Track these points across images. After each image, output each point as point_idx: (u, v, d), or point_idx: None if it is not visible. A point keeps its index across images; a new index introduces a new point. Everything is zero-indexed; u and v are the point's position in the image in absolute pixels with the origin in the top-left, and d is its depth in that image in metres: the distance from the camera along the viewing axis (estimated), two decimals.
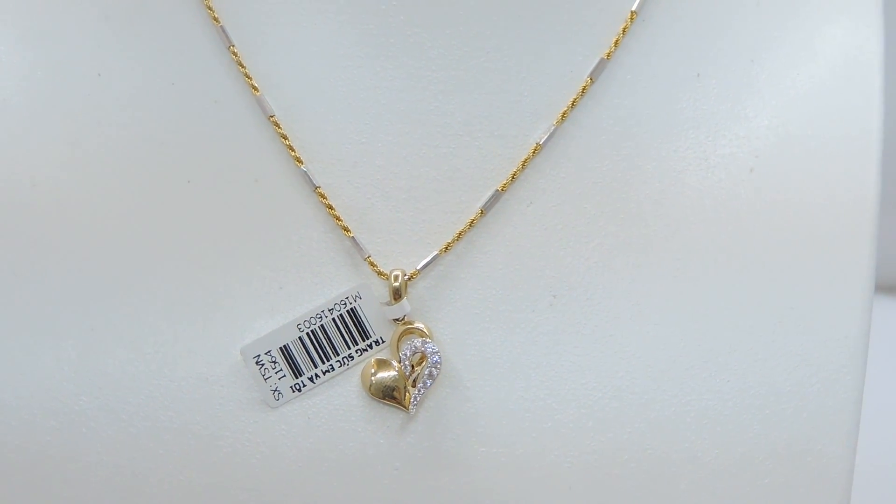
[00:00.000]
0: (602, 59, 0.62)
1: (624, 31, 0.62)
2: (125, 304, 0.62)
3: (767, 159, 0.62)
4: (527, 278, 0.61)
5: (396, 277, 0.61)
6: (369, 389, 0.61)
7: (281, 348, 0.61)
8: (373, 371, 0.61)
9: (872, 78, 0.62)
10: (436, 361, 0.60)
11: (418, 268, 0.61)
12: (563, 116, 0.62)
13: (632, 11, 0.62)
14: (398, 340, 0.61)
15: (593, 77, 0.62)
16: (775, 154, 0.62)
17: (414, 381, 0.61)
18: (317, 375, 0.61)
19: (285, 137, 0.61)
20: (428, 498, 0.61)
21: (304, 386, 0.61)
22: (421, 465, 0.61)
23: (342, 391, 0.61)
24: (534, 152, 0.61)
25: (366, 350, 0.61)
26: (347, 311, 0.61)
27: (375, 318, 0.61)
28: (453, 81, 0.61)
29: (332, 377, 0.61)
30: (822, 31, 0.63)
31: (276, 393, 0.61)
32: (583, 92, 0.62)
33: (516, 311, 0.61)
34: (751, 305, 0.61)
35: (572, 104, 0.62)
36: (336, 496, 0.61)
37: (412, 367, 0.61)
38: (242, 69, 0.62)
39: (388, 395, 0.61)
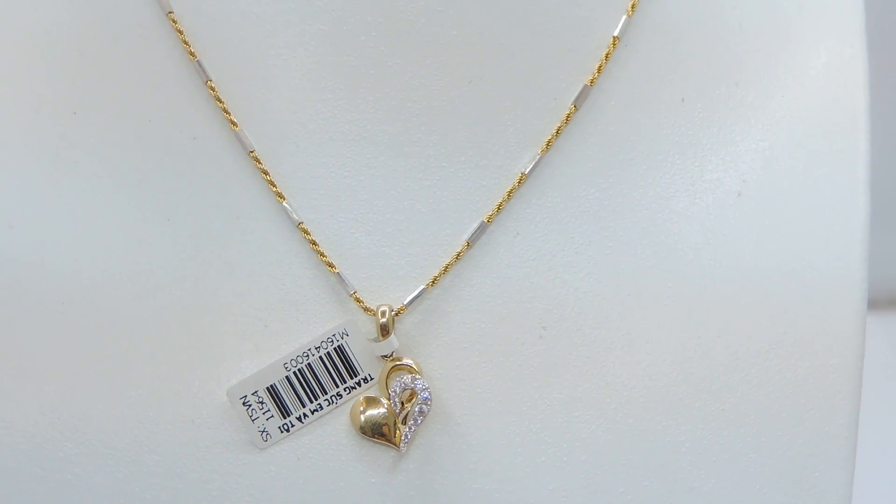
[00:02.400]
0: (585, 86, 0.61)
1: (607, 56, 0.61)
2: (107, 347, 0.60)
3: (755, 183, 0.61)
4: (515, 311, 0.60)
5: (383, 313, 0.60)
6: (359, 428, 0.60)
7: (268, 388, 0.60)
8: (362, 409, 0.60)
9: (858, 98, 0.62)
10: (426, 398, 0.59)
11: (405, 303, 0.60)
12: (547, 145, 0.61)
13: (614, 37, 0.61)
14: (387, 377, 0.60)
15: (577, 104, 0.61)
16: (762, 178, 0.61)
17: (404, 418, 0.60)
18: (305, 415, 0.60)
19: (266, 173, 0.60)
20: None
21: (293, 426, 0.60)
22: (414, 503, 0.60)
23: (331, 430, 0.60)
24: (519, 182, 0.61)
25: (354, 388, 0.60)
26: (335, 349, 0.60)
27: (363, 354, 0.60)
28: (436, 112, 0.61)
29: (321, 416, 0.60)
30: (805, 52, 0.63)
31: (265, 434, 0.60)
32: (567, 119, 0.61)
33: (506, 344, 0.60)
34: (743, 332, 0.60)
35: (557, 132, 0.61)
36: None
37: (402, 404, 0.60)
38: (220, 104, 0.61)
39: (379, 433, 0.60)
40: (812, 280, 0.61)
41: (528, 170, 0.61)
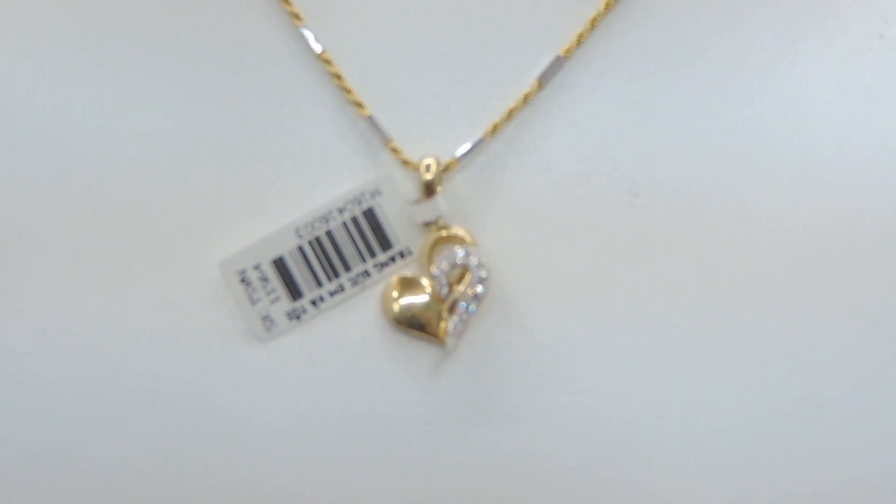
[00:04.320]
0: None
1: None
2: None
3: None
4: (598, 171, 0.47)
5: (428, 167, 0.46)
6: (393, 318, 0.46)
7: (274, 261, 0.46)
8: (396, 294, 0.46)
9: None
10: (482, 278, 0.45)
11: (456, 155, 0.46)
12: None
13: None
14: (431, 251, 0.46)
15: None
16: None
17: (452, 305, 0.45)
18: (322, 298, 0.46)
19: None
20: (468, 458, 0.46)
21: (306, 312, 0.46)
22: (460, 418, 0.46)
23: (356, 319, 0.47)
24: (606, 7, 0.47)
25: (387, 264, 0.46)
26: (363, 212, 0.46)
27: (400, 221, 0.47)
28: None
29: (343, 300, 0.46)
30: None
31: (267, 321, 0.46)
32: None
33: (585, 213, 0.47)
34: (890, 208, 0.47)
35: None
36: (347, 459, 0.46)
37: (450, 286, 0.46)
38: None
39: (418, 324, 0.46)
40: None
41: None
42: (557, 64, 0.47)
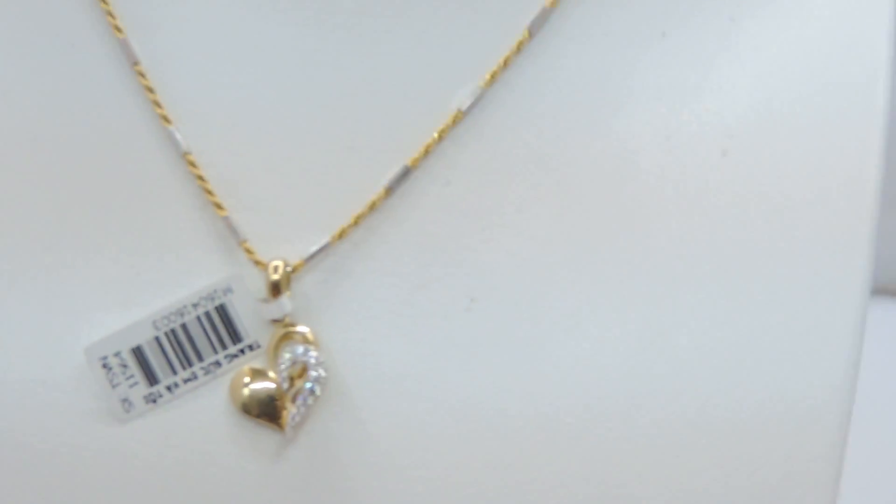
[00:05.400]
0: (544, 9, 0.50)
1: None
2: None
3: (744, 140, 0.50)
4: (439, 276, 0.50)
5: (276, 269, 0.49)
6: (241, 405, 0.49)
7: (133, 349, 0.50)
8: (246, 382, 0.50)
9: (878, 47, 0.50)
10: (319, 376, 0.49)
11: (304, 258, 0.49)
12: (492, 77, 0.50)
13: None
14: (276, 346, 0.50)
15: (532, 30, 0.50)
16: (754, 135, 0.50)
17: (294, 396, 0.49)
18: (176, 384, 0.50)
19: (151, 90, 0.50)
20: None
21: (161, 396, 0.50)
22: (299, 499, 0.49)
23: (207, 405, 0.50)
24: (454, 120, 0.50)
25: (236, 356, 0.50)
26: (215, 308, 0.50)
27: (250, 317, 0.50)
28: (360, 28, 0.50)
29: (196, 387, 0.50)
30: None
31: (126, 403, 0.50)
32: (518, 48, 0.50)
33: (424, 316, 0.50)
34: (714, 322, 0.49)
35: (504, 63, 0.50)
36: None
37: (291, 379, 0.49)
38: (105, 5, 0.50)
39: (265, 412, 0.50)
40: (804, 263, 0.49)
41: (465, 106, 0.50)
42: (405, 173, 0.50)
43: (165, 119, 0.50)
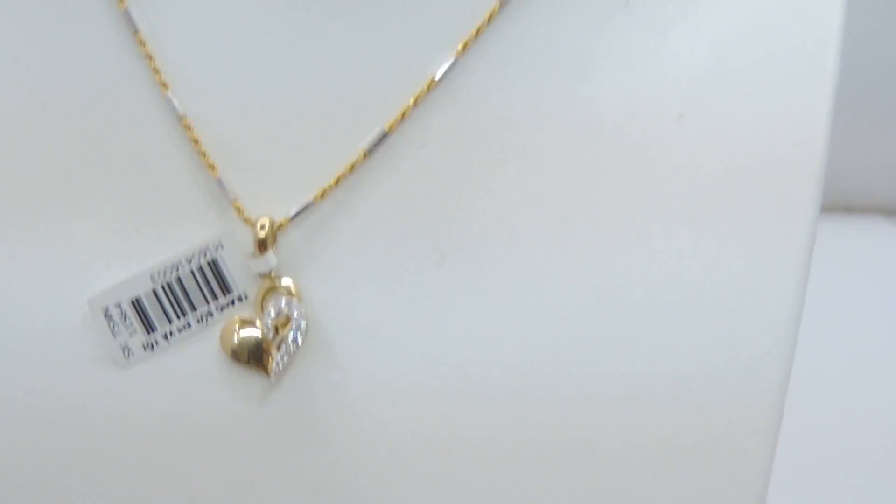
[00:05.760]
0: None
1: None
2: None
3: (700, 104, 0.53)
4: (413, 232, 0.53)
5: (263, 226, 0.53)
6: (230, 351, 0.53)
7: (132, 301, 0.54)
8: (234, 330, 0.54)
9: (831, 13, 0.53)
10: (300, 326, 0.53)
11: (289, 216, 0.53)
12: (464, 47, 0.53)
13: None
14: (262, 298, 0.53)
15: (503, 1, 0.53)
16: (709, 99, 0.53)
17: (278, 344, 0.53)
18: (171, 333, 0.54)
19: (151, 58, 0.54)
20: (287, 476, 0.53)
21: (158, 344, 0.54)
22: (282, 439, 0.54)
23: (200, 351, 0.54)
24: (428, 87, 0.53)
25: (227, 307, 0.54)
26: (208, 263, 0.54)
27: (239, 271, 0.54)
28: (343, 1, 0.53)
29: (189, 335, 0.54)
30: None
31: (126, 351, 0.54)
32: (489, 19, 0.53)
33: (398, 269, 0.53)
34: (670, 277, 0.52)
35: (476, 33, 0.53)
36: (187, 467, 0.54)
37: (276, 329, 0.53)
38: None
39: (254, 357, 0.54)
40: (754, 222, 0.52)
41: (439, 74, 0.53)
42: (382, 137, 0.54)
43: (164, 85, 0.54)
